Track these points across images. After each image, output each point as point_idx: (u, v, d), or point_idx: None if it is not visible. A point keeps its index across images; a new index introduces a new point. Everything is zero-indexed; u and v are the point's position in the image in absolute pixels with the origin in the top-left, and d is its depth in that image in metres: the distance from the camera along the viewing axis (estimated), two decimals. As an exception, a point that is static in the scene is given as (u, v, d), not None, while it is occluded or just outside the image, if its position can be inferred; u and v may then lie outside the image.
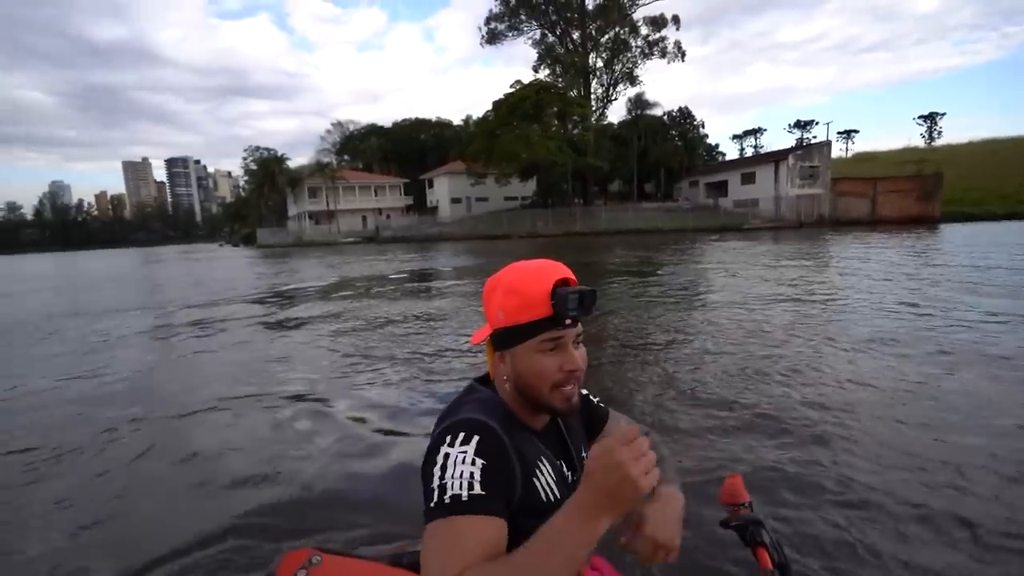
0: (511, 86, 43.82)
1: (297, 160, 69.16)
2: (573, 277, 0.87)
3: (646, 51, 50.43)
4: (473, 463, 0.75)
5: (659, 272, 13.07)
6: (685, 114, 54.96)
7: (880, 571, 2.00)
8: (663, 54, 50.20)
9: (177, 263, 33.29)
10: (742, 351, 5.24)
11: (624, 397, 4.13)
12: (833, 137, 75.79)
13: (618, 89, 52.62)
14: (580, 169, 43.84)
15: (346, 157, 67.23)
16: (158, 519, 2.64)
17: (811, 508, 2.42)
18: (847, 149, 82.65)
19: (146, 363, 6.19)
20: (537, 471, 0.85)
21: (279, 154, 60.42)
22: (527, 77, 47.12)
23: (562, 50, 50.87)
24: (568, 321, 0.84)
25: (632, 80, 51.62)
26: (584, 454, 0.98)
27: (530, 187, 49.77)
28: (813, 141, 53.48)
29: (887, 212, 35.32)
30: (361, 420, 3.87)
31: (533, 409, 0.89)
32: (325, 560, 1.14)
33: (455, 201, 54.30)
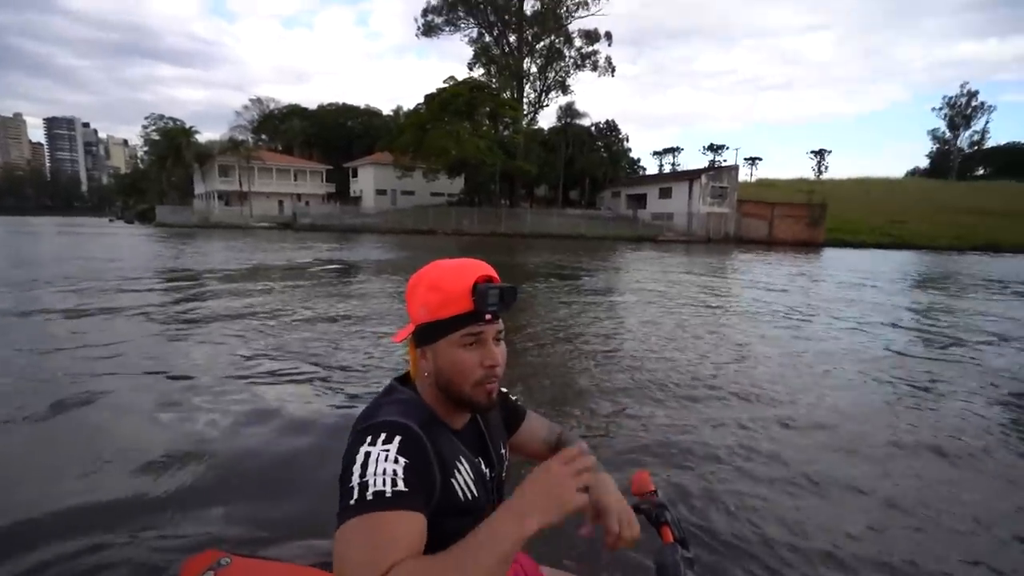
0: (444, 81, 43.46)
1: (208, 135, 63.97)
2: (495, 275, 0.89)
3: (579, 62, 52.09)
4: (396, 461, 0.75)
5: (581, 275, 13.57)
6: (612, 127, 57.35)
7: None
8: (594, 67, 52.15)
9: (55, 237, 29.36)
10: (653, 352, 5.65)
11: (543, 391, 4.38)
12: (741, 162, 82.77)
13: (550, 96, 53.87)
14: (508, 171, 44.33)
15: (264, 137, 62.97)
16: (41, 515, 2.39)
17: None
18: (751, 174, 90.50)
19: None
20: (455, 471, 0.86)
21: (187, 126, 55.42)
22: (461, 74, 46.94)
23: (498, 51, 51.24)
24: (488, 316, 0.85)
25: (564, 89, 53.08)
26: (503, 451, 1.01)
27: (457, 184, 49.55)
28: (723, 164, 58.01)
29: (782, 235, 39.09)
30: (262, 417, 3.69)
31: (455, 405, 0.90)
32: (235, 562, 1.12)
33: (380, 193, 52.76)
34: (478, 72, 49.25)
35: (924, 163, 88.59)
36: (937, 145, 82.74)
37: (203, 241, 25.69)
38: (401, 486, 0.73)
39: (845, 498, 2.79)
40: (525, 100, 52.09)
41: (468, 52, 55.96)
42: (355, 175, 57.21)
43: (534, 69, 52.40)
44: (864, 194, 53.72)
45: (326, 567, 1.25)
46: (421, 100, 44.23)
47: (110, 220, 75.89)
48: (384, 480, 0.73)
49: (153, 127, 56.45)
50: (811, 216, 39.19)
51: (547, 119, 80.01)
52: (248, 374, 4.64)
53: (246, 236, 30.90)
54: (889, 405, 4.29)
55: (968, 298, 11.40)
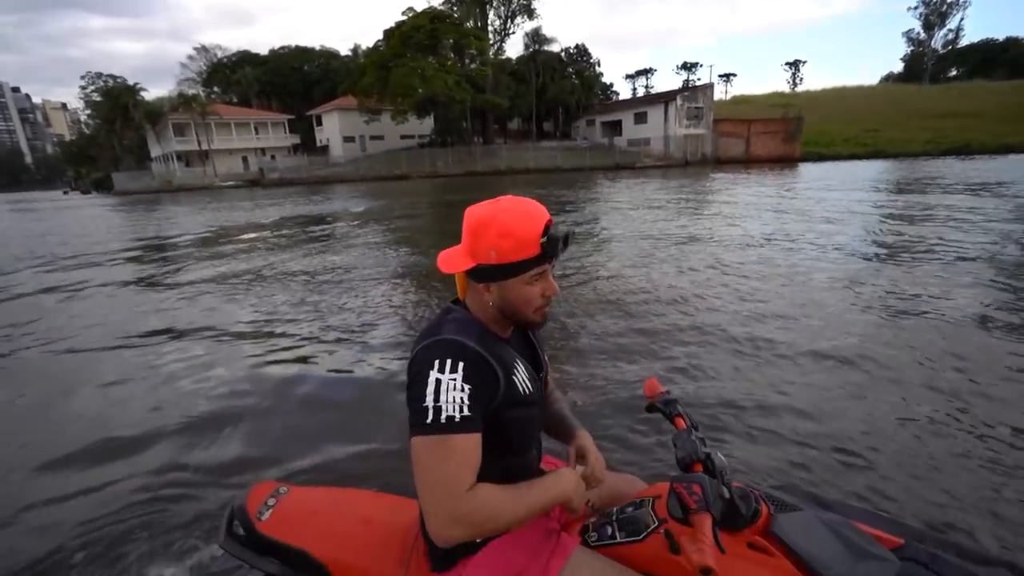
0: (403, 13, 40.81)
1: (155, 92, 59.71)
2: (546, 214, 0.99)
3: (543, -18, 48.98)
4: (462, 389, 0.90)
5: (567, 210, 13.50)
6: (582, 52, 55.04)
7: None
8: (559, -14, 49.02)
9: (9, 215, 27.63)
10: (647, 279, 5.79)
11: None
12: (715, 80, 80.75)
13: (516, 22, 51.07)
14: (479, 106, 42.73)
15: (216, 89, 59.13)
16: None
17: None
18: (727, 91, 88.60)
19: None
20: (515, 370, 1.01)
21: (131, 83, 51.62)
22: (420, 4, 43.99)
23: (456, -25, 47.78)
24: (554, 261, 0.99)
25: (530, 13, 50.23)
26: (546, 358, 1.18)
27: (427, 125, 47.69)
28: (698, 83, 56.55)
29: (759, 152, 38.96)
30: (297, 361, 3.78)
31: (509, 324, 1.05)
32: (292, 491, 1.27)
33: (348, 140, 50.59)
34: (438, 0, 46.14)
35: (899, 67, 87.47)
36: (912, 48, 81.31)
37: (171, 206, 24.70)
38: (467, 411, 0.89)
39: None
40: (490, 28, 49.34)
41: (424, -22, 52.08)
42: (319, 123, 54.55)
43: (497, -7, 49.25)
44: (841, 102, 53.21)
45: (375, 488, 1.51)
46: (380, 36, 41.65)
47: (64, 192, 72.17)
48: (453, 407, 0.89)
49: (92, 87, 52.49)
50: (787, 131, 38.95)
51: (514, 48, 76.32)
52: (257, 332, 4.67)
53: (213, 198, 29.65)
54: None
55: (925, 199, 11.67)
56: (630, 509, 1.07)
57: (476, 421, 0.91)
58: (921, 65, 76.67)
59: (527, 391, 1.01)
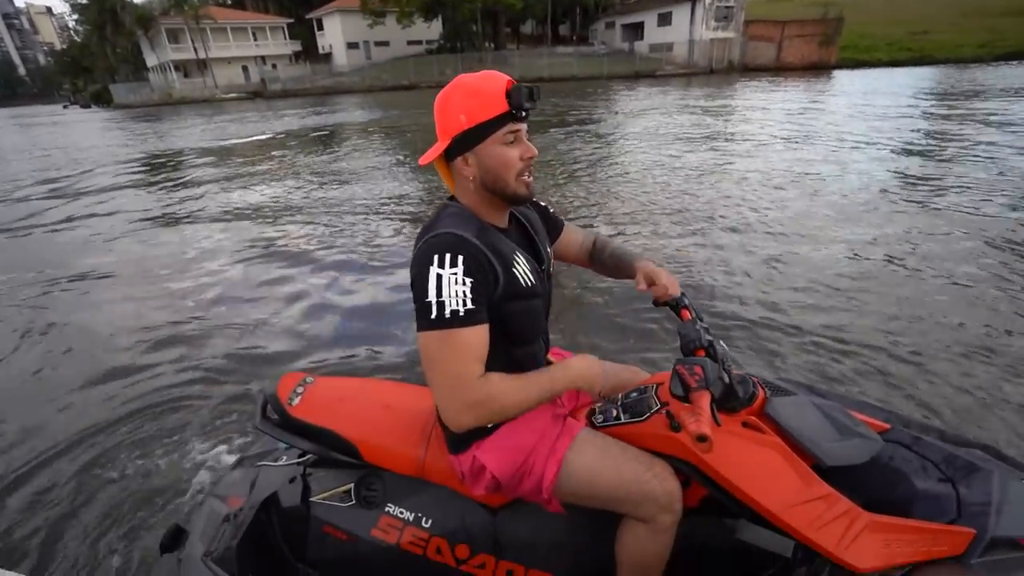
0: None
1: (143, -8, 55.58)
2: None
3: None
4: (464, 283, 0.91)
5: (585, 122, 12.87)
6: (603, -59, 49.67)
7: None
8: None
9: (17, 132, 26.83)
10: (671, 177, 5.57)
11: (574, 210, 4.96)
12: (748, -26, 73.08)
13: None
14: (490, 7, 39.51)
15: (207, -12, 54.96)
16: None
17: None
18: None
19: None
20: (515, 262, 1.00)
21: (116, -17, 48.01)
22: None
23: None
24: (524, 113, 0.96)
25: None
26: (548, 250, 1.17)
27: (436, 29, 44.50)
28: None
29: (791, 58, 36.15)
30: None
31: (499, 204, 1.03)
32: (318, 380, 1.34)
33: (352, 47, 47.52)
34: None
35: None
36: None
37: (176, 121, 23.96)
38: (470, 304, 0.91)
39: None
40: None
41: None
42: (320, 27, 50.99)
43: None
44: (888, 3, 48.34)
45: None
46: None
47: (64, 107, 70.01)
48: (456, 301, 0.90)
49: (77, -11, 49.04)
50: (824, 34, 35.79)
51: (527, -63, 69.15)
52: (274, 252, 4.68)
53: (217, 110, 28.69)
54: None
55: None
56: (634, 394, 1.13)
57: (480, 313, 0.93)
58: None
59: (528, 283, 1.02)
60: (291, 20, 50.45)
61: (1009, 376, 2.32)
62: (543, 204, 1.27)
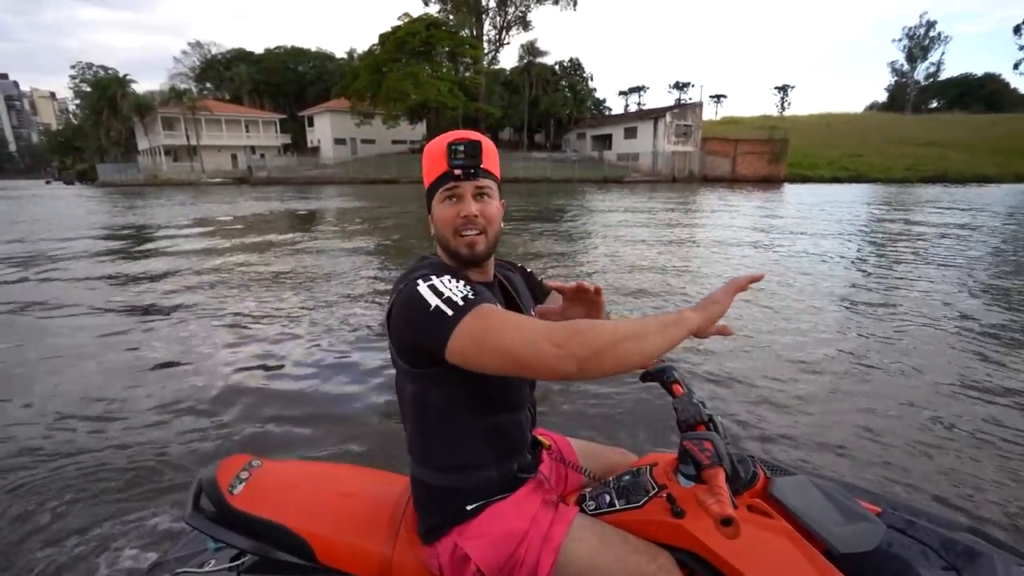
0: (399, 18, 40.97)
1: (146, 85, 59.03)
2: (478, 137, 0.94)
3: (540, -6, 49.62)
4: (457, 281, 0.86)
5: (557, 218, 13.60)
6: (576, 65, 55.70)
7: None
8: (556, 0, 49.82)
9: None
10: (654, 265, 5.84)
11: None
12: (705, 99, 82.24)
13: (511, 33, 51.70)
14: (471, 114, 42.94)
15: (208, 85, 58.76)
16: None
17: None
18: (717, 112, 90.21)
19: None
20: None
21: (121, 75, 51.09)
22: (417, 10, 44.30)
23: (453, -17, 48.23)
24: (458, 172, 0.92)
25: (525, 25, 50.91)
26: (532, 311, 1.11)
27: (419, 131, 47.83)
28: (689, 101, 57.45)
29: (745, 171, 39.60)
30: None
31: (457, 261, 0.98)
32: (266, 464, 1.17)
33: (339, 142, 50.47)
34: (434, 8, 46.54)
35: (884, 97, 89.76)
36: (896, 78, 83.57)
37: (163, 199, 24.39)
38: (471, 294, 0.83)
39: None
40: (485, 38, 49.83)
41: (422, -14, 52.50)
42: (311, 124, 54.37)
43: (493, 3, 49.83)
44: (825, 129, 54.44)
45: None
46: (375, 41, 41.78)
47: (47, 183, 70.78)
48: (459, 291, 0.83)
49: (81, 77, 51.91)
50: (773, 152, 39.65)
51: (509, 59, 77.01)
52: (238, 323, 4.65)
53: (201, 193, 29.42)
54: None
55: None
56: (627, 477, 1.03)
57: (488, 296, 0.86)
58: (904, 95, 78.78)
59: None
60: (284, 116, 53.77)
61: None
62: (528, 269, 1.23)
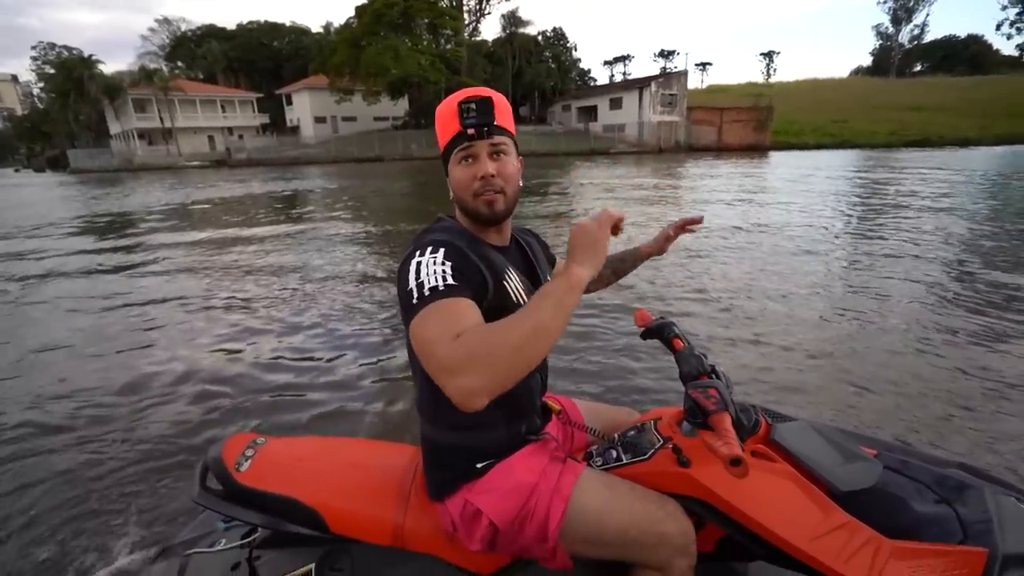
0: (375, -12, 39.59)
1: (114, 65, 56.81)
2: (489, 92, 0.92)
3: (520, -38, 48.12)
4: (443, 264, 0.84)
5: (544, 191, 13.46)
6: (559, 35, 54.59)
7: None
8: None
9: None
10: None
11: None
12: (691, 68, 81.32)
13: (492, 3, 50.18)
14: (453, 88, 41.75)
15: (180, 64, 56.73)
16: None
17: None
18: (703, 81, 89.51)
19: None
20: (506, 276, 0.95)
21: (86, 55, 49.00)
22: (393, -20, 42.67)
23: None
24: (471, 132, 0.90)
25: (506, -7, 49.43)
26: (548, 277, 1.10)
27: (402, 107, 46.79)
28: (674, 71, 56.71)
29: (730, 140, 39.41)
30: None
31: (477, 222, 0.98)
32: (271, 441, 1.18)
33: (319, 120, 49.20)
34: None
35: (868, 61, 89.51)
36: (880, 42, 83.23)
37: (135, 186, 23.70)
38: (450, 280, 0.81)
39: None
40: (465, 8, 48.37)
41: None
42: (289, 102, 52.86)
43: (472, -29, 48.26)
44: (812, 93, 54.21)
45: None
46: (352, 13, 40.44)
47: (16, 170, 68.38)
48: (435, 278, 0.81)
49: (43, 58, 49.72)
50: (758, 120, 39.45)
51: (491, 30, 75.20)
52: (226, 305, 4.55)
53: (179, 177, 28.59)
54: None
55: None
56: (633, 433, 1.06)
57: (463, 289, 0.82)
58: (889, 59, 78.57)
59: (520, 301, 0.95)
60: (261, 95, 52.15)
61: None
62: (541, 238, 1.24)
